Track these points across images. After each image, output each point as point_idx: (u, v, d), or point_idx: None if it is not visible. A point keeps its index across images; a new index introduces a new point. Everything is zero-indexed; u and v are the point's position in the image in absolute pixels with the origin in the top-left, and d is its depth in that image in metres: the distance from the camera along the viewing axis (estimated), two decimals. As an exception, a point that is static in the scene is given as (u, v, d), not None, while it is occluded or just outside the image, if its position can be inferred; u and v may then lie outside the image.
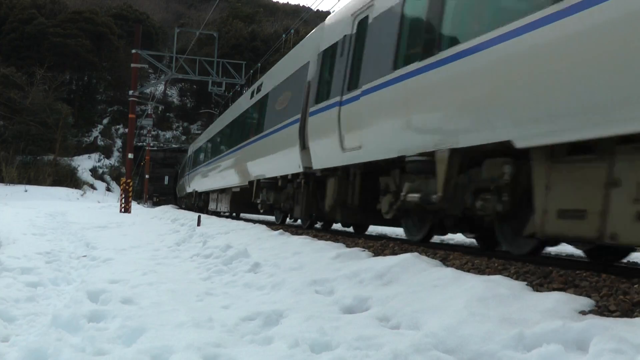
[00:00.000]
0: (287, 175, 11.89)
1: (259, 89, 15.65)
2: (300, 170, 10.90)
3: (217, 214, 22.28)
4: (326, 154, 9.55)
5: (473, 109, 5.77)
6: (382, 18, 8.04)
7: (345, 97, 8.73)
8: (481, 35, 5.59)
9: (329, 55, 9.97)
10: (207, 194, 24.19)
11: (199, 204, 26.55)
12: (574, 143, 4.61)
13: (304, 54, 11.61)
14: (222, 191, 20.32)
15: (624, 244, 4.56)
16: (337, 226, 12.49)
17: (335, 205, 9.56)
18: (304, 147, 10.62)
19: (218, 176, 20.31)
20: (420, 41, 6.75)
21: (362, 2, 8.86)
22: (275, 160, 12.55)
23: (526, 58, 4.96)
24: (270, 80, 14.40)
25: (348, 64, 8.92)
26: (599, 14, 4.20)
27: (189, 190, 30.25)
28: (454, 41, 6.09)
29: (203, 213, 19.99)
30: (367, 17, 8.60)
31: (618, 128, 4.13)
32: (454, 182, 6.19)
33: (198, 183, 26.29)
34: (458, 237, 13.09)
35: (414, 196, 6.89)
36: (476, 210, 6.00)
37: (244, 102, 17.95)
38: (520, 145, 5.05)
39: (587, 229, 4.49)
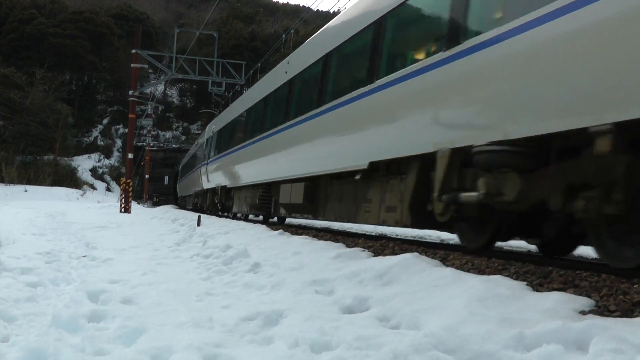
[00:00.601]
0: (202, 190, 24.24)
1: (196, 144, 29.78)
2: (203, 188, 23.43)
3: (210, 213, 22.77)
4: (206, 182, 22.22)
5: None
6: (214, 133, 21.15)
7: (208, 161, 21.58)
8: (218, 153, 19.63)
9: (209, 140, 22.59)
10: (185, 197, 35.74)
11: (182, 203, 38.17)
12: None
13: (205, 135, 25.02)
14: (189, 196, 31.85)
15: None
16: (337, 226, 13.59)
17: (210, 205, 21.68)
18: (201, 178, 23.45)
19: (187, 186, 32.06)
20: (216, 148, 20.13)
21: (215, 122, 22.50)
22: (199, 181, 24.28)
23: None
24: (199, 140, 28.13)
25: (209, 148, 21.99)
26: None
27: (179, 194, 42.32)
28: (214, 154, 20.57)
29: (184, 209, 30.05)
30: (214, 130, 21.50)
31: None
32: (213, 201, 20.96)
33: (181, 190, 38.52)
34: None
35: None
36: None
37: (193, 147, 32.14)
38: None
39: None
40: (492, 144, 5.25)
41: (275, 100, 13.12)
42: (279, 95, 12.81)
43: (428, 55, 6.46)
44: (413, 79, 6.64)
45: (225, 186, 18.41)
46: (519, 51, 4.93)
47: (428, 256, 5.66)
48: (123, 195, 26.78)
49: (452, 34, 5.99)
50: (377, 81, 7.58)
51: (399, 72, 7.01)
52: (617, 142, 4.12)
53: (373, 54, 7.88)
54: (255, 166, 14.02)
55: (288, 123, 11.47)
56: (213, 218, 17.10)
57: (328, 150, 9.38)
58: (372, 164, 7.78)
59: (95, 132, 63.81)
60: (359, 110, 8.13)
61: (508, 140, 5.09)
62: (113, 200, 45.08)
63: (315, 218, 11.12)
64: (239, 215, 18.05)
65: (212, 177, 20.55)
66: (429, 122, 6.28)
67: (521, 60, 4.91)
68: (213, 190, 20.63)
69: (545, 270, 4.54)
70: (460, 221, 6.62)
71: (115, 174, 56.16)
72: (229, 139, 18.10)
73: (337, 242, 7.79)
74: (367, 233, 12.89)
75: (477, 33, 5.56)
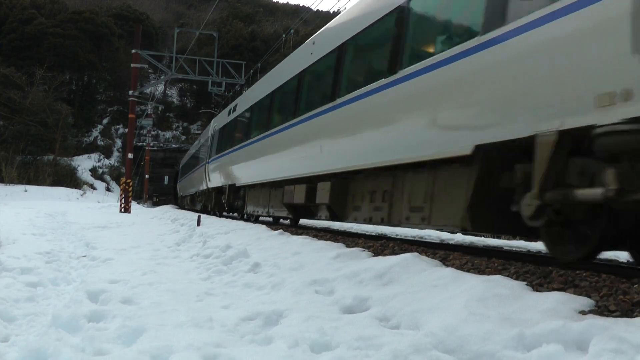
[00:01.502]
0: (180, 195, 40.63)
1: (176, 169, 46.77)
2: (180, 195, 40.60)
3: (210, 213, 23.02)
4: (179, 192, 40.80)
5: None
6: (181, 165, 39.72)
7: (179, 180, 39.85)
8: (189, 172, 32.67)
9: (179, 170, 41.32)
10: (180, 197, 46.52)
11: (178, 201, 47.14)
12: None
13: (177, 160, 49.45)
14: (184, 197, 40.59)
15: None
16: (337, 226, 13.61)
17: (180, 204, 39.75)
18: (177, 189, 43.04)
19: (177, 192, 43.04)
20: (181, 175, 38.71)
21: (180, 162, 42.47)
22: (177, 190, 42.89)
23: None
24: (178, 167, 44.96)
25: (179, 173, 40.66)
26: None
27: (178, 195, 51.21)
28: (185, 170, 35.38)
29: (183, 209, 36.58)
30: (181, 163, 40.82)
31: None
32: (180, 201, 42.67)
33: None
34: (458, 237, 13.09)
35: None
36: None
37: (179, 169, 44.58)
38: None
39: None
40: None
41: (189, 158, 31.56)
42: (189, 157, 31.67)
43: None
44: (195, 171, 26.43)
45: (182, 195, 36.92)
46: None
47: (428, 256, 5.66)
48: (123, 195, 26.80)
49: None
50: (190, 170, 29.79)
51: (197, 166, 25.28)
52: None
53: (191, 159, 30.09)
54: (186, 187, 32.10)
55: (189, 171, 29.95)
56: (213, 218, 17.12)
57: (195, 184, 26.48)
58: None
59: (95, 132, 63.81)
60: (199, 172, 24.31)
61: None
62: (113, 200, 45.09)
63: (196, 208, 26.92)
64: (186, 207, 33.06)
65: (181, 189, 38.37)
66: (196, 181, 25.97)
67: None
68: (180, 196, 39.21)
69: (545, 270, 4.54)
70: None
71: (115, 174, 56.16)
72: (183, 172, 35.83)
73: (337, 242, 7.79)
74: (367, 233, 12.89)
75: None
